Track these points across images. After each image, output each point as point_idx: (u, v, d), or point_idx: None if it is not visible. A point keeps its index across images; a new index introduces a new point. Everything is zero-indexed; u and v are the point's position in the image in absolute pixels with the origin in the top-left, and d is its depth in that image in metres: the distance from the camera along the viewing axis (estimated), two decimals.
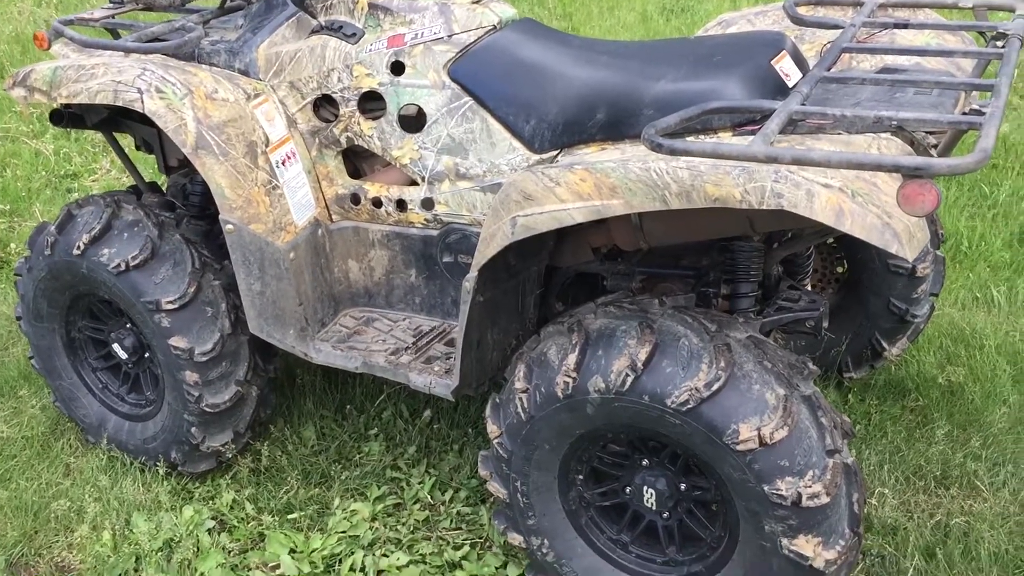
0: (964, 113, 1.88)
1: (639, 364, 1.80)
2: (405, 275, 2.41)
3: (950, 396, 2.76)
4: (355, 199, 2.37)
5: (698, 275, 2.23)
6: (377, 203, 2.35)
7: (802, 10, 2.26)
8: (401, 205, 2.32)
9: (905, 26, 2.13)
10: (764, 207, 1.58)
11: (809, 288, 2.59)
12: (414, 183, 2.31)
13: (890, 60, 2.15)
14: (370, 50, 2.25)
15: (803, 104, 1.69)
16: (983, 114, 1.55)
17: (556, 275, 2.35)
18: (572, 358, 1.88)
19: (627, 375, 1.80)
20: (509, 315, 2.22)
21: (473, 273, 1.96)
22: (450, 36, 2.20)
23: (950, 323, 3.08)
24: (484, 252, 1.92)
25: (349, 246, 2.43)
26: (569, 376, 1.87)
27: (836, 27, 2.17)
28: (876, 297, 2.63)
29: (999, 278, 3.37)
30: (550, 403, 1.91)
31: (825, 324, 2.22)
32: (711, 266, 2.21)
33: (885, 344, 2.69)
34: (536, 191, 1.80)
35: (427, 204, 2.29)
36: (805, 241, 2.27)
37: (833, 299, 2.77)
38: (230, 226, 2.23)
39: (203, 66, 2.37)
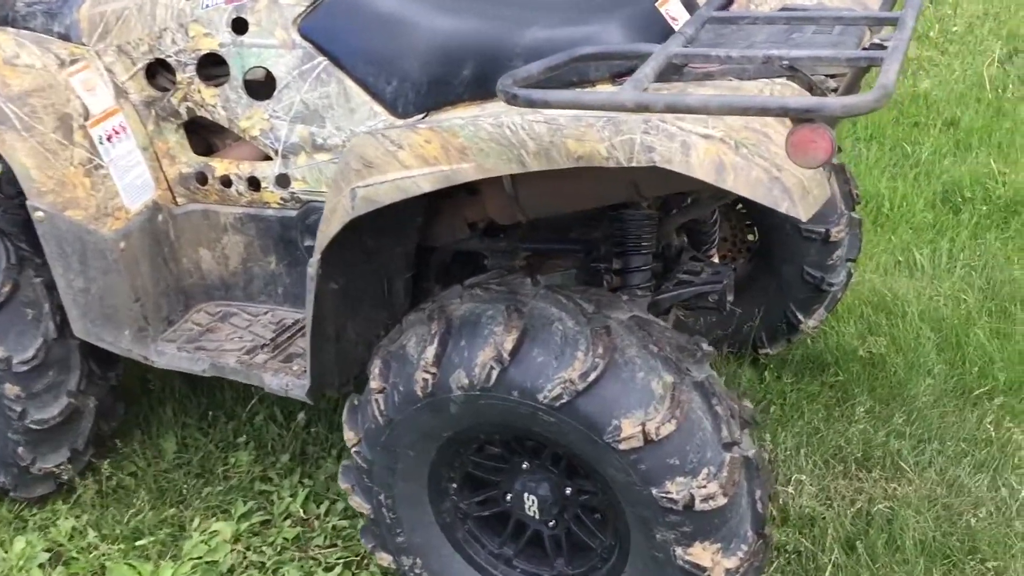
0: (865, 49, 1.67)
1: (505, 355, 1.55)
2: (264, 263, 2.14)
3: (871, 369, 2.60)
4: (201, 178, 2.09)
5: (587, 249, 2.00)
6: (227, 182, 2.07)
7: None
8: (254, 183, 2.05)
9: None
10: (634, 163, 1.36)
11: (716, 259, 2.40)
12: (268, 158, 2.04)
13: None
14: (207, 6, 1.97)
15: (686, 47, 1.48)
16: (885, 48, 1.35)
17: (433, 256, 2.11)
18: (431, 351, 1.62)
19: (492, 368, 1.56)
20: (373, 303, 1.97)
21: (316, 257, 1.69)
22: None
23: (871, 290, 2.92)
24: (326, 231, 1.66)
25: (199, 232, 2.14)
26: (428, 372, 1.62)
27: None
28: (789, 265, 2.45)
29: (922, 240, 3.23)
30: (410, 403, 1.66)
31: (730, 297, 2.04)
32: (601, 239, 1.99)
33: (801, 316, 2.51)
34: (376, 157, 1.54)
35: (282, 181, 2.02)
36: (705, 206, 2.08)
37: (744, 269, 2.58)
38: (40, 213, 1.93)
39: (8, 29, 2.06)
